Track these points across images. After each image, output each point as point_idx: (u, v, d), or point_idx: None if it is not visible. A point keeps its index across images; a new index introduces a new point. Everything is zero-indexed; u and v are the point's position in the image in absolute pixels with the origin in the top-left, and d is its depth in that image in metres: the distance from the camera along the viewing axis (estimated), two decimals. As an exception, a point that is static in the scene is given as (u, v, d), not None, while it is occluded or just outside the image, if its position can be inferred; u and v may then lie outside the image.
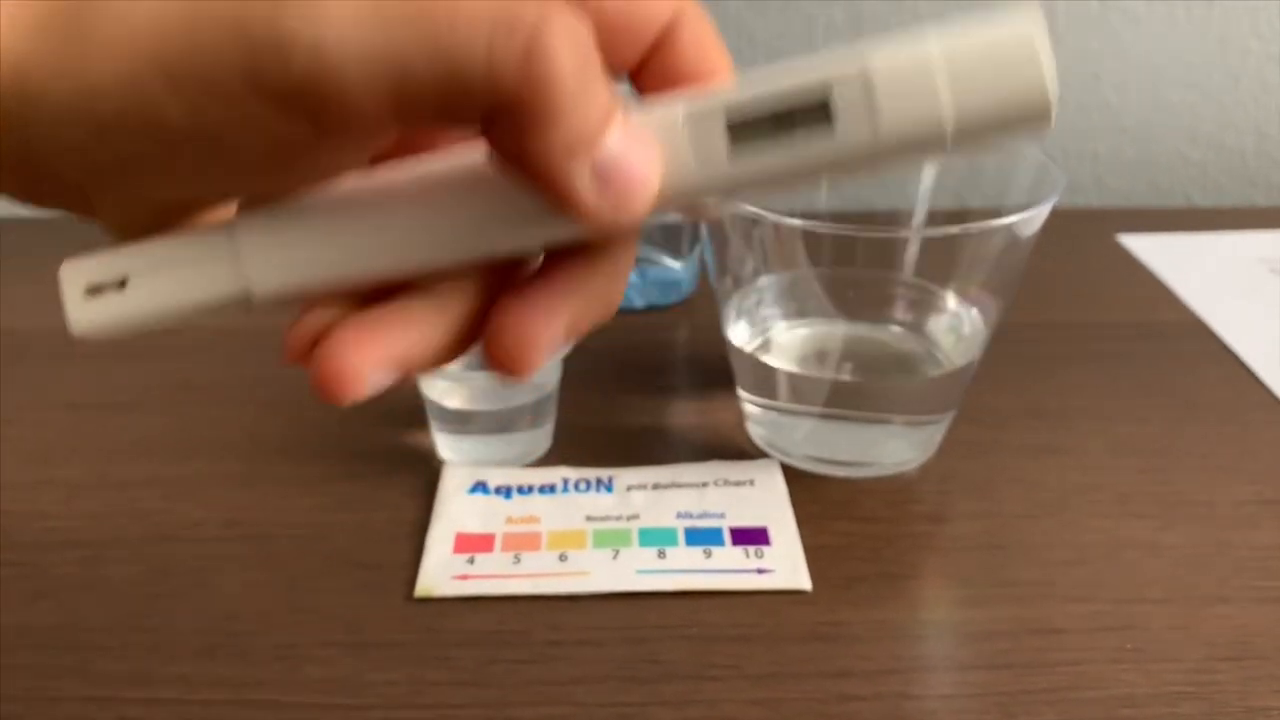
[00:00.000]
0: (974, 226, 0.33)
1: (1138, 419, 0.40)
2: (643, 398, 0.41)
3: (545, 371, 0.36)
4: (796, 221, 0.33)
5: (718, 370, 0.40)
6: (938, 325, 0.39)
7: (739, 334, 0.38)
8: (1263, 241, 0.53)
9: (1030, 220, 0.33)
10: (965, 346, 0.37)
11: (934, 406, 0.37)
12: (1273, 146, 0.60)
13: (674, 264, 0.47)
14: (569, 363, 0.38)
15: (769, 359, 0.37)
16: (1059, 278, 0.50)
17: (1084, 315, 0.47)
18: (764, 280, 0.38)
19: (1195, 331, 0.46)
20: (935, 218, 0.39)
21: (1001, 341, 0.38)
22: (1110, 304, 0.48)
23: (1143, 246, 0.53)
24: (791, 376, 0.37)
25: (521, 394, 0.36)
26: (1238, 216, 0.58)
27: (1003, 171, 0.38)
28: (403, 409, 0.38)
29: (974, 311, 0.38)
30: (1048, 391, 0.42)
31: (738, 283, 0.38)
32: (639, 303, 0.48)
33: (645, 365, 0.44)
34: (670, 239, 0.47)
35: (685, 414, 0.40)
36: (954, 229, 0.33)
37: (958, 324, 0.39)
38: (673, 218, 0.45)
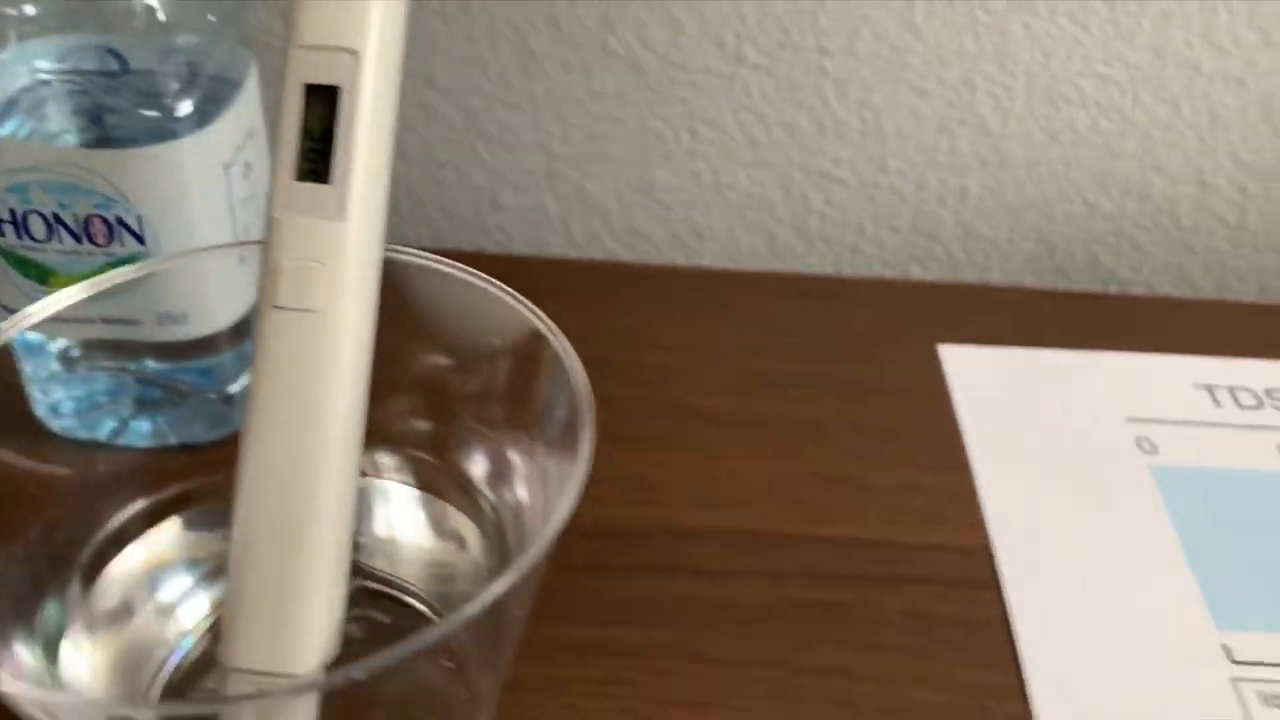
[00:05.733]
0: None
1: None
2: None
3: None
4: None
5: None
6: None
7: None
8: (1177, 383, 0.36)
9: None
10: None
11: None
12: (1220, 204, 0.42)
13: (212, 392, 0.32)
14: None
15: None
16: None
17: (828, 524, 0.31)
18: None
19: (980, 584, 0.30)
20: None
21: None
22: (866, 506, 0.32)
23: (973, 375, 0.36)
24: None
25: None
26: (1160, 314, 0.40)
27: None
28: None
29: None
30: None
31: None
32: (173, 438, 0.32)
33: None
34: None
35: None
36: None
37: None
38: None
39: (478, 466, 0.24)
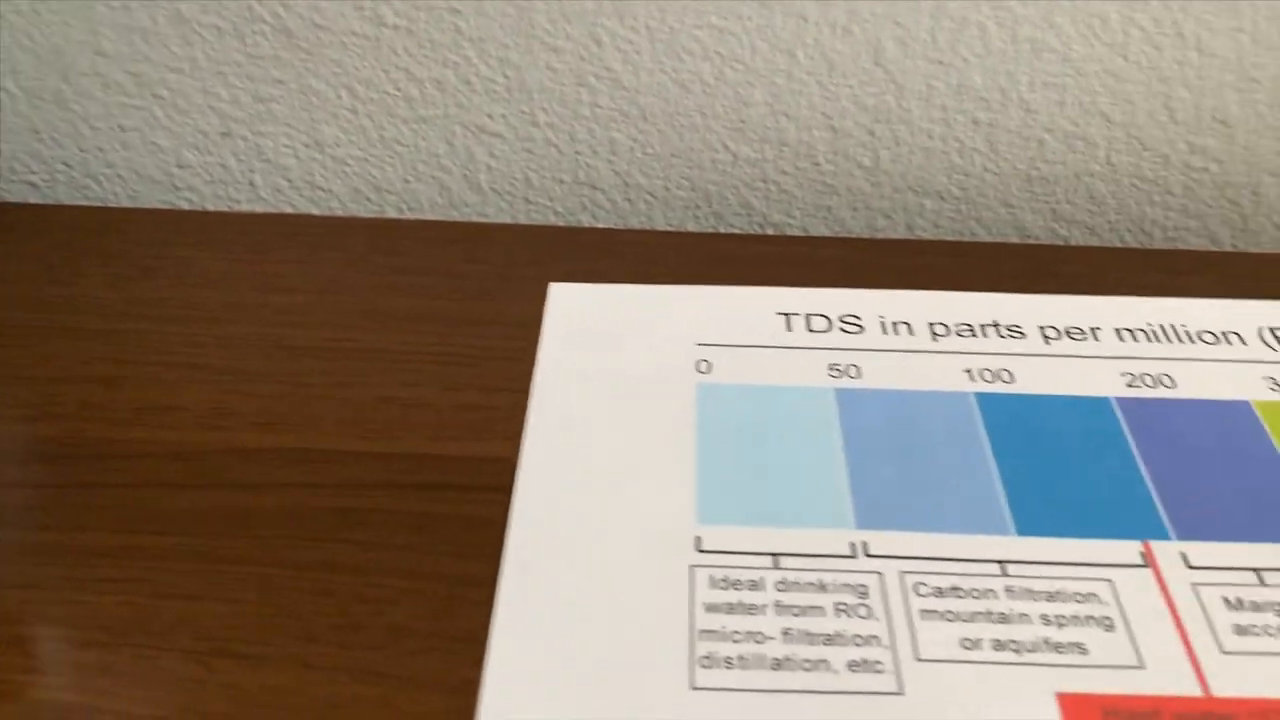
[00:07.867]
0: None
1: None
2: None
3: None
4: None
5: None
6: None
7: None
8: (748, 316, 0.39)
9: None
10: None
11: None
12: (853, 146, 0.45)
13: None
14: None
15: None
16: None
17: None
18: None
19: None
20: None
21: None
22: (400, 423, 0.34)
23: (571, 308, 0.39)
24: None
25: None
26: (792, 255, 0.43)
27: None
28: None
29: None
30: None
31: None
32: None
33: None
34: None
35: None
36: None
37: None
38: None
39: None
